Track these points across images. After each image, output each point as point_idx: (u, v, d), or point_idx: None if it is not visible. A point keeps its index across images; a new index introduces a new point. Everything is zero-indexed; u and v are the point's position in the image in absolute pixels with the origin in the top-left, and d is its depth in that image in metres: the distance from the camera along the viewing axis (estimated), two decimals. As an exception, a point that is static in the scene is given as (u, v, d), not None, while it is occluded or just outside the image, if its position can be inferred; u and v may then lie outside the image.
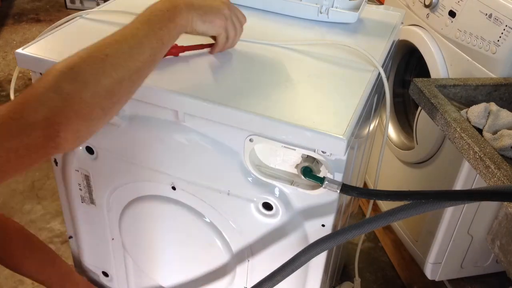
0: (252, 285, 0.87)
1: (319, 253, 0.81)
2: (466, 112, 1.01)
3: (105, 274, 1.27)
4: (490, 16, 1.21)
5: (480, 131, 0.98)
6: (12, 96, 1.00)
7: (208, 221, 0.99)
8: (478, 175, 1.15)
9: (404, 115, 1.75)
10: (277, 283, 0.84)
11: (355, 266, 1.31)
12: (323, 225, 0.91)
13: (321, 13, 1.11)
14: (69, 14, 1.06)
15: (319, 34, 1.10)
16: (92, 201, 1.11)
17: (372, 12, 1.25)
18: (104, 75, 0.67)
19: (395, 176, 1.71)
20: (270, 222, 0.93)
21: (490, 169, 0.86)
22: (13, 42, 3.17)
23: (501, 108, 1.02)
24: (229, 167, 0.89)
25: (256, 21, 1.14)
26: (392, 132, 1.73)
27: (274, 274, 0.83)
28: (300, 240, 0.93)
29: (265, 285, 0.84)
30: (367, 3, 1.22)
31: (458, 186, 1.35)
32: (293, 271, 0.82)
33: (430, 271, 1.54)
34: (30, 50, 0.94)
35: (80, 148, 1.01)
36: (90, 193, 1.10)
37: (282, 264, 0.83)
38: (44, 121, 0.63)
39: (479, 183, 1.32)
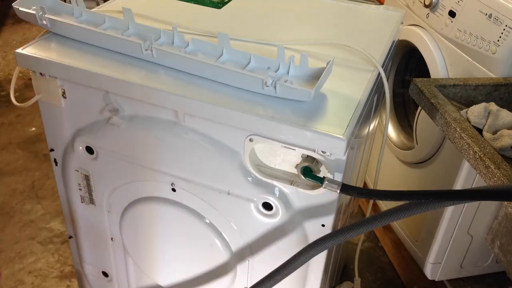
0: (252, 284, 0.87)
1: (318, 253, 0.81)
2: (466, 112, 1.01)
3: (105, 274, 1.27)
4: (490, 16, 1.21)
5: (480, 131, 0.98)
6: (12, 96, 1.00)
7: (208, 221, 0.99)
8: (478, 175, 1.15)
9: (404, 115, 1.74)
10: (277, 282, 0.84)
11: (355, 266, 1.31)
12: (323, 225, 0.91)
13: (266, 86, 0.86)
14: (69, 14, 1.06)
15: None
16: (92, 201, 1.11)
17: (372, 12, 1.25)
18: None
19: (395, 176, 1.71)
20: (270, 222, 0.93)
21: (490, 169, 0.86)
22: (13, 42, 3.17)
23: (501, 108, 1.02)
24: (229, 167, 0.89)
25: (256, 21, 1.14)
26: (392, 132, 1.72)
27: (274, 273, 0.83)
28: (300, 240, 0.93)
29: (265, 284, 0.84)
30: (367, 3, 1.22)
31: (458, 186, 1.35)
32: (293, 270, 0.82)
33: (430, 271, 1.54)
34: (30, 50, 0.94)
35: (80, 148, 1.01)
36: (90, 193, 1.10)
37: (282, 263, 0.83)
38: None
39: (479, 183, 1.32)
